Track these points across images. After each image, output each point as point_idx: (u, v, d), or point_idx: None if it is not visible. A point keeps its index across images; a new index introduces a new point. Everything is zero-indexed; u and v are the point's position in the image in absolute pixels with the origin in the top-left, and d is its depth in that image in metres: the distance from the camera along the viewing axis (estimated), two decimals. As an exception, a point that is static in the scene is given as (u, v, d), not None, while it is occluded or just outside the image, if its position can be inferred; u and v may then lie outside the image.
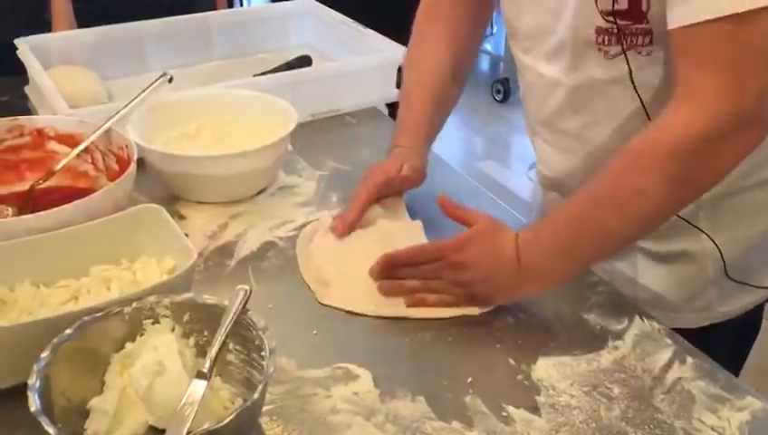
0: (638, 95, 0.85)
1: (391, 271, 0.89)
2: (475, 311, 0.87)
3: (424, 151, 1.05)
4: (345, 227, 0.96)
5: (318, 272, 0.92)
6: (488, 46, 4.18)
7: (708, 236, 0.93)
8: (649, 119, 0.85)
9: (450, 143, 3.50)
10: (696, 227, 0.93)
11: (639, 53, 0.83)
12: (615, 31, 0.82)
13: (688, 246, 0.95)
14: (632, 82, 0.84)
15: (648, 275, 0.98)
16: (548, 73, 0.93)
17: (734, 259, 0.95)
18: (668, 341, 0.83)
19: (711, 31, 0.72)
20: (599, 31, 0.84)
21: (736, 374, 1.00)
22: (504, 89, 3.81)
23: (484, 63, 4.41)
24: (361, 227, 0.99)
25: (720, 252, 0.94)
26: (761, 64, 0.72)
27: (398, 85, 1.18)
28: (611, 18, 0.82)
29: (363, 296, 0.88)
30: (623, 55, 0.83)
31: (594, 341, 0.83)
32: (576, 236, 0.83)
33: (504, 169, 3.28)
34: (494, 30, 4.20)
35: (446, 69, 1.07)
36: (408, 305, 0.87)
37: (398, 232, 0.99)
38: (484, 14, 1.10)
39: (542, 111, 0.98)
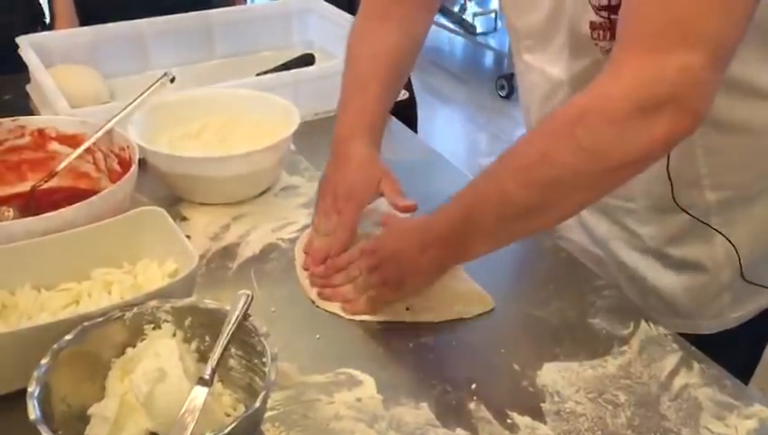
0: None
1: (329, 278, 0.90)
2: (474, 311, 0.86)
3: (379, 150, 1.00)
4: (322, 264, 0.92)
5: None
6: (492, 42, 4.17)
7: (725, 237, 0.91)
8: None
9: (454, 139, 3.49)
10: (710, 226, 0.90)
11: None
12: (608, 25, 0.80)
13: (701, 254, 0.94)
14: None
15: (660, 282, 0.97)
16: (552, 73, 0.92)
17: (750, 263, 0.93)
18: (675, 346, 0.82)
19: (640, 4, 0.69)
20: (593, 26, 0.82)
21: (750, 377, 1.00)
22: (508, 85, 3.79)
23: (489, 59, 4.40)
24: (359, 230, 0.98)
25: (737, 252, 0.92)
26: (686, 40, 0.67)
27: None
28: (604, 13, 0.80)
29: None
30: None
31: (600, 346, 0.82)
32: (477, 198, 0.79)
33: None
34: (498, 26, 4.19)
35: (401, 54, 1.02)
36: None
37: None
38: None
39: (545, 112, 0.96)
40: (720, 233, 0.91)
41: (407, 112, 1.37)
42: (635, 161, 0.72)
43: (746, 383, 0.86)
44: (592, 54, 0.85)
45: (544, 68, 0.93)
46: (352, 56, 1.04)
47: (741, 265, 0.93)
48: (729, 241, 0.91)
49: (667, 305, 0.97)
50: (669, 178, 0.87)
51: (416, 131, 1.74)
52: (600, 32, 0.82)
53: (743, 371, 0.81)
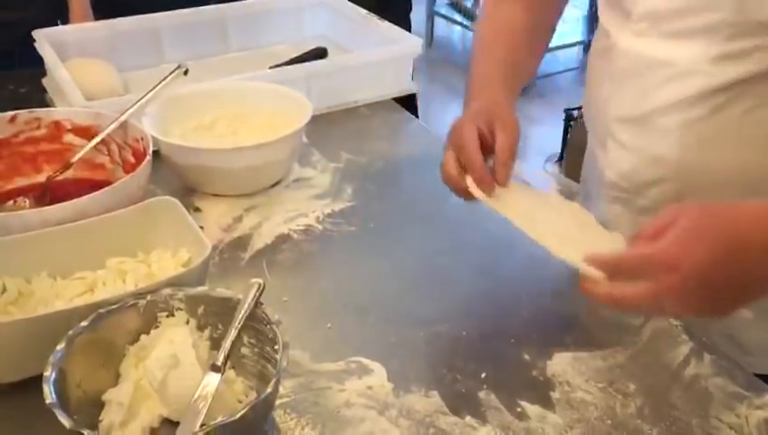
0: None
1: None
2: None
3: (511, 100, 0.89)
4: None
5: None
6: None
7: None
8: None
9: (467, 135, 3.48)
10: None
11: None
12: None
13: None
14: None
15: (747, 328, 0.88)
16: (677, 60, 0.81)
17: None
18: (686, 337, 0.82)
19: None
20: None
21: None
22: (521, 81, 3.77)
23: (502, 55, 4.38)
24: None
25: None
26: None
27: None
28: None
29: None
30: None
31: (611, 336, 0.82)
32: None
33: (522, 161, 3.27)
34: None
35: (526, 29, 0.95)
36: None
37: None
38: None
39: (644, 103, 0.85)
40: None
41: (408, 106, 1.37)
42: None
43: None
44: (761, 45, 0.75)
45: (658, 54, 0.82)
46: (483, 27, 0.98)
47: None
48: None
49: (734, 342, 0.88)
50: None
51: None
52: None
53: None
